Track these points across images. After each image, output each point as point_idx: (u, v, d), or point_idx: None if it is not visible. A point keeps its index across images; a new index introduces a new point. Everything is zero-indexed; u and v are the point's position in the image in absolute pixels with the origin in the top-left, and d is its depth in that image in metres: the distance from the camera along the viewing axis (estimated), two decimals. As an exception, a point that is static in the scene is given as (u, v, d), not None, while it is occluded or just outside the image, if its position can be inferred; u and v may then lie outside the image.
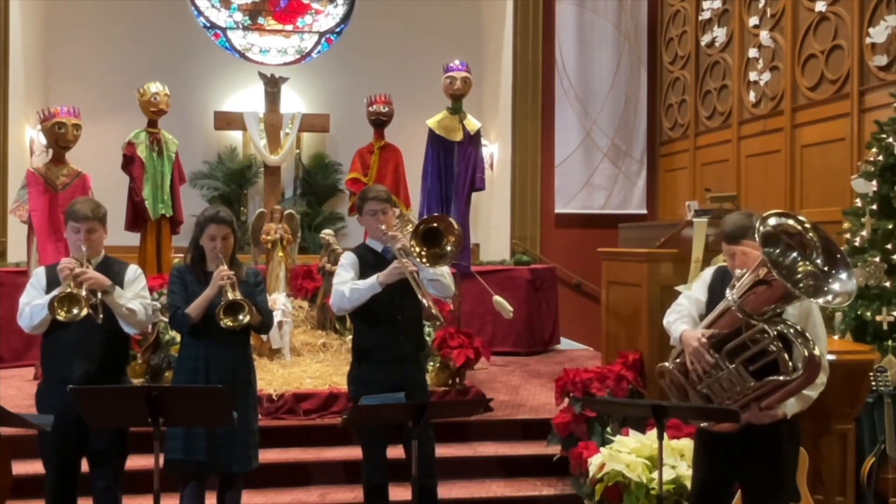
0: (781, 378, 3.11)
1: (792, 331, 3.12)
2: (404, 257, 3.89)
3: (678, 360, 3.40)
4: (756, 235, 3.01)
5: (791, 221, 3.07)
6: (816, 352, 3.11)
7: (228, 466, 3.83)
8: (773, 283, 3.01)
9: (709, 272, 3.58)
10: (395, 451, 4.09)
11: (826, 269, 3.02)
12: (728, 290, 3.21)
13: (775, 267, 2.96)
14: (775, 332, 3.10)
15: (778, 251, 3.01)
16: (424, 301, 3.86)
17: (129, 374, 5.61)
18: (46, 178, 6.63)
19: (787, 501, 3.47)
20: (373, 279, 3.88)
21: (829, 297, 3.00)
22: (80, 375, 3.59)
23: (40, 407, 3.75)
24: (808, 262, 3.03)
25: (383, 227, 4.00)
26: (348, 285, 3.91)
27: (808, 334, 3.14)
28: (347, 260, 4.06)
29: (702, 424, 3.41)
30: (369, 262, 4.02)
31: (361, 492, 4.90)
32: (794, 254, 3.04)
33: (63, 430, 3.51)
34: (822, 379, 3.25)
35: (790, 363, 3.11)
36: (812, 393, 3.26)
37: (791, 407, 3.24)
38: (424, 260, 3.89)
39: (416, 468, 3.43)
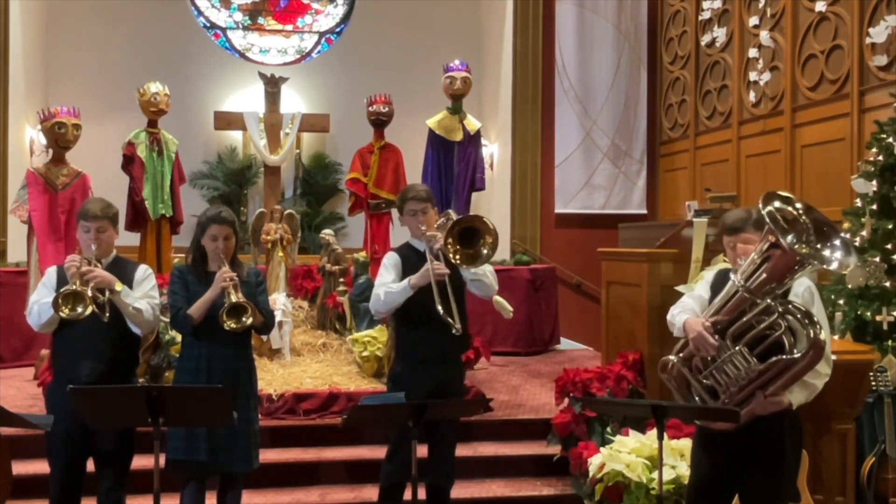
0: (787, 357, 3.13)
1: (797, 313, 3.16)
2: (439, 259, 3.88)
3: (681, 355, 3.40)
4: (761, 210, 3.10)
5: (789, 208, 3.16)
6: (822, 334, 3.14)
7: (230, 467, 3.83)
8: (779, 252, 3.06)
9: (711, 273, 3.63)
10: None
11: (819, 246, 3.12)
12: (732, 275, 3.26)
13: (783, 235, 3.03)
14: (781, 310, 3.15)
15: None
16: (439, 308, 3.83)
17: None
18: (46, 178, 6.63)
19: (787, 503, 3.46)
20: (405, 283, 3.89)
21: (834, 266, 3.11)
22: (89, 375, 3.59)
23: (50, 406, 3.75)
24: (803, 245, 3.10)
25: (423, 227, 3.99)
26: (384, 289, 3.93)
27: (813, 316, 3.18)
28: (390, 260, 4.05)
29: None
30: (411, 261, 4.01)
31: (362, 492, 4.94)
32: (790, 237, 3.09)
33: (71, 429, 3.52)
34: (826, 369, 3.27)
35: (795, 347, 3.15)
36: (816, 382, 3.27)
37: (796, 396, 3.24)
38: (458, 259, 3.87)
39: (416, 467, 3.43)
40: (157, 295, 3.87)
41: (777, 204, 3.14)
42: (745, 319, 3.21)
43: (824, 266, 3.11)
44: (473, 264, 3.93)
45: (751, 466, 3.32)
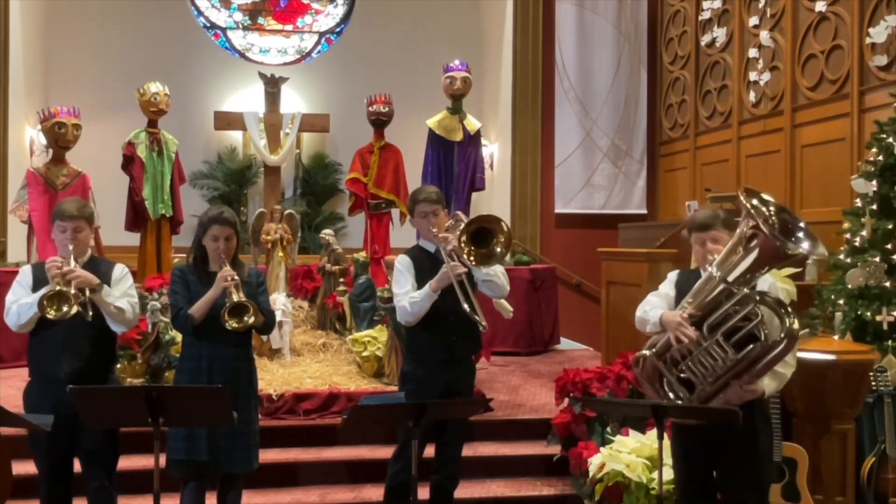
0: (762, 346, 3.24)
1: (772, 302, 3.28)
2: (453, 259, 3.88)
3: (654, 349, 3.47)
4: (745, 202, 3.25)
5: (764, 209, 3.27)
6: (796, 325, 3.24)
7: (230, 467, 3.83)
8: (761, 240, 3.18)
9: (673, 273, 3.71)
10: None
11: (784, 239, 3.22)
12: (710, 267, 3.37)
13: (766, 224, 3.16)
14: (757, 298, 3.26)
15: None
16: (465, 306, 3.83)
17: (129, 373, 5.69)
18: (46, 178, 6.64)
19: (767, 487, 3.54)
20: (426, 288, 3.88)
21: (803, 248, 3.20)
22: (69, 373, 3.59)
23: (28, 407, 3.74)
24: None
25: (434, 229, 3.99)
26: (407, 299, 3.92)
27: (787, 305, 3.30)
28: (403, 265, 4.03)
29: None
30: (423, 263, 4.01)
31: (362, 492, 4.94)
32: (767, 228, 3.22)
33: (53, 429, 3.46)
34: (793, 359, 3.40)
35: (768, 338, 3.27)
36: (786, 371, 3.39)
37: (768, 385, 3.35)
38: (472, 259, 3.87)
39: (416, 467, 3.43)
40: (136, 294, 3.87)
41: (754, 202, 3.27)
42: (722, 310, 3.30)
43: (801, 251, 3.19)
44: (488, 264, 3.93)
45: (727, 458, 3.39)
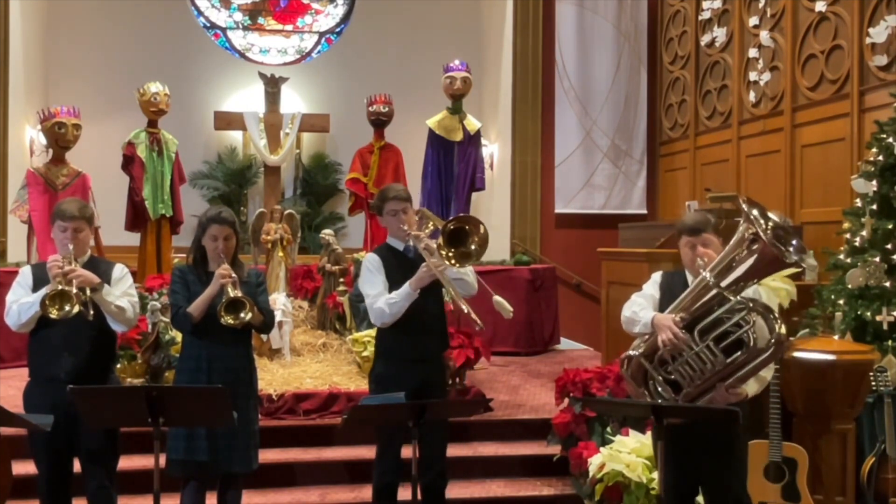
0: (751, 352, 3.28)
1: (761, 308, 3.32)
2: (430, 257, 3.88)
3: (641, 350, 3.49)
4: (747, 210, 3.27)
5: (762, 220, 3.28)
6: (784, 331, 3.29)
7: (230, 467, 3.83)
8: (758, 248, 3.22)
9: (657, 274, 3.76)
10: (406, 450, 4.07)
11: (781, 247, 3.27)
12: (702, 271, 3.39)
13: (765, 233, 3.20)
14: (751, 305, 3.30)
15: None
16: (463, 307, 3.83)
17: (129, 373, 5.69)
18: (46, 178, 6.64)
19: (745, 479, 3.61)
20: (406, 288, 3.86)
21: (794, 259, 3.24)
22: (69, 372, 3.60)
23: (28, 406, 3.75)
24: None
25: (405, 227, 4.00)
26: (383, 300, 3.90)
27: (775, 311, 3.34)
28: (372, 264, 4.02)
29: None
30: (391, 262, 4.01)
31: (361, 492, 4.94)
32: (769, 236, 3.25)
33: (53, 429, 3.47)
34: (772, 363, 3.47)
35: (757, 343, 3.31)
36: (767, 375, 3.47)
37: (751, 388, 3.41)
38: (453, 261, 3.88)
39: (416, 468, 3.43)
40: (136, 293, 3.88)
41: (755, 212, 3.29)
42: (714, 315, 3.33)
43: (795, 260, 3.24)
44: (466, 263, 3.95)
45: (707, 456, 3.44)
